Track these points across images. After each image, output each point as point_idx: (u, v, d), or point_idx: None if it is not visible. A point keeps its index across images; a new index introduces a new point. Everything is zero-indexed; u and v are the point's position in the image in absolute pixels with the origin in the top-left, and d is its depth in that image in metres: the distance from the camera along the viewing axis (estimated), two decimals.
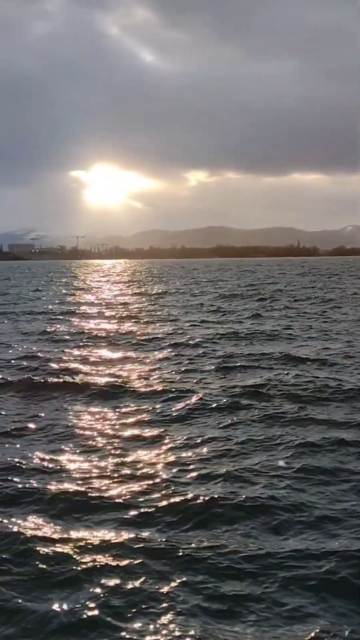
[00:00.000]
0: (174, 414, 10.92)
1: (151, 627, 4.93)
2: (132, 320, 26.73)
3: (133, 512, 6.91)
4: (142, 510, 6.97)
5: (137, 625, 4.96)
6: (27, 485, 7.64)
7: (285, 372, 14.21)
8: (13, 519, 6.73)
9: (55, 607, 5.16)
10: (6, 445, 9.40)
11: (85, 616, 5.05)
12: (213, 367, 15.14)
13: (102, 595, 5.33)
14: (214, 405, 11.39)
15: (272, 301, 36.52)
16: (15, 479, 7.86)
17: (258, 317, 27.23)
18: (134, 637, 4.81)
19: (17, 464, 8.39)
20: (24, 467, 8.31)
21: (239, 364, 15.37)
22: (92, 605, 5.17)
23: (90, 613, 5.08)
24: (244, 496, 7.20)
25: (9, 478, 7.91)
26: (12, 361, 16.29)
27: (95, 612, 5.09)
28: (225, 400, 11.75)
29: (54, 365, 15.39)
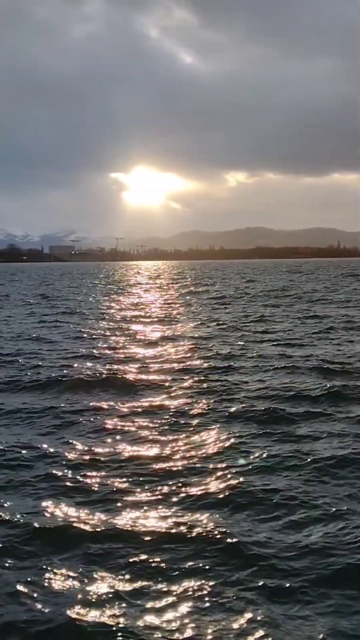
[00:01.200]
0: (214, 411, 11.28)
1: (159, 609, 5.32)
2: (173, 322, 27.18)
3: (174, 504, 7.34)
4: (176, 500, 7.40)
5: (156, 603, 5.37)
6: (77, 477, 8.14)
7: (323, 373, 14.48)
8: (66, 509, 7.22)
9: (103, 590, 5.61)
10: (62, 438, 9.90)
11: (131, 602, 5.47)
12: (252, 369, 15.46)
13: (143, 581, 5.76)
14: (252, 403, 11.75)
15: (312, 302, 36.54)
16: (67, 471, 8.37)
17: (298, 319, 27.38)
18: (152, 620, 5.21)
19: (72, 457, 8.90)
20: (75, 459, 8.82)
21: (277, 366, 15.64)
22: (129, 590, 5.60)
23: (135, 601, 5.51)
24: (287, 488, 7.55)
25: (63, 470, 8.42)
26: (61, 360, 16.93)
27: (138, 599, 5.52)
28: (263, 400, 12.11)
29: (101, 364, 15.96)
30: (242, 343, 19.92)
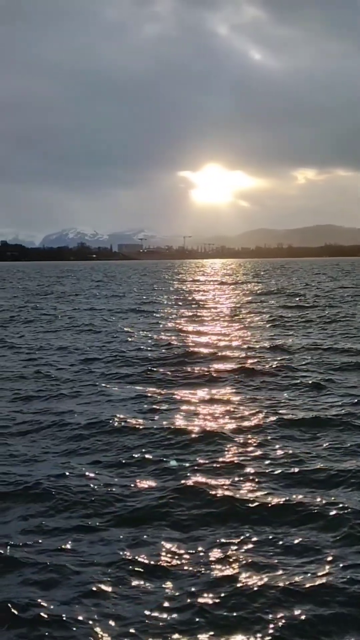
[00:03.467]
0: (271, 402, 12.05)
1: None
2: (236, 323, 27.86)
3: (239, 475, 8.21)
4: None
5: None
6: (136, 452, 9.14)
7: None
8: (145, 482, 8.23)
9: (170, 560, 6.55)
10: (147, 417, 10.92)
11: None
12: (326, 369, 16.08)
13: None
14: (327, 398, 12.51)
15: None
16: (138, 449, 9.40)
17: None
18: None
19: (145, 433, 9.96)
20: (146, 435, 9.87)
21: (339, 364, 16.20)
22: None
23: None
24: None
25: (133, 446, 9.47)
26: (139, 351, 18.04)
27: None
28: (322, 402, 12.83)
29: (179, 355, 16.96)
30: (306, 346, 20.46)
